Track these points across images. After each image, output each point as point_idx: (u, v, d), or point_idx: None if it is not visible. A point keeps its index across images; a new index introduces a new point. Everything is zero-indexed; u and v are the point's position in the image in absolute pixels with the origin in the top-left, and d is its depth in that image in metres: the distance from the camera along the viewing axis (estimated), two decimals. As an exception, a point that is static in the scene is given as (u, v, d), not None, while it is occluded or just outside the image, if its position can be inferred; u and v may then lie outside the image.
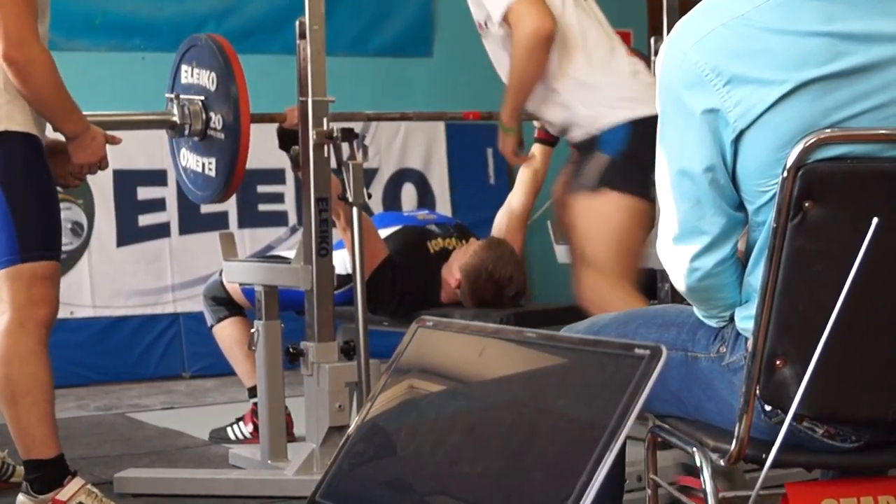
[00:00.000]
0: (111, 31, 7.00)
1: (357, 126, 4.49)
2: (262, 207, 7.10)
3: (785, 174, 2.04)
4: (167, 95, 4.52)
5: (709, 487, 2.21)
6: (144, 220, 6.90)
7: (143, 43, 7.11)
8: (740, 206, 2.23)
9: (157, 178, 6.89)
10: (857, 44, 2.13)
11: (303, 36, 4.13)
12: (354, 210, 4.10)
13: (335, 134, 4.09)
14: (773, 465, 2.00)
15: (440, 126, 7.75)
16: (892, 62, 2.14)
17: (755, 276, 2.21)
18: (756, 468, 2.18)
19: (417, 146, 7.70)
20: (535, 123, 5.04)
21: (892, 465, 2.30)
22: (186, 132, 4.37)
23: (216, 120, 4.29)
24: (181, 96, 4.40)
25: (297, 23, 4.14)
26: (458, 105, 7.90)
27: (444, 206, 7.62)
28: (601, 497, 1.76)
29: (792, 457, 2.22)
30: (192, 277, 6.85)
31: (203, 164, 4.39)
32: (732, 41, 2.15)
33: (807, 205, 2.05)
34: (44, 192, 3.64)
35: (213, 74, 4.31)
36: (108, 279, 6.77)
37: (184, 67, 4.49)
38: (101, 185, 6.55)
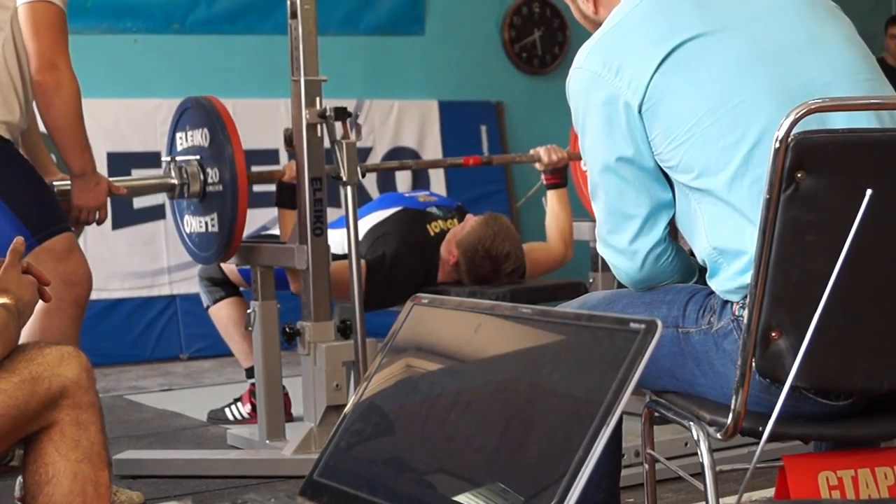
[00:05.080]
0: (103, 13, 7.00)
1: (350, 104, 4.49)
2: (256, 188, 7.10)
3: (777, 145, 2.04)
4: (164, 159, 4.55)
5: (706, 461, 2.22)
6: (139, 202, 6.90)
7: (134, 25, 7.11)
8: (665, 186, 2.39)
9: (151, 160, 6.88)
10: (723, 8, 2.35)
11: (294, 15, 4.13)
12: (349, 189, 4.10)
13: (328, 113, 4.09)
14: (770, 438, 2.00)
15: (433, 104, 7.75)
16: (754, 19, 2.35)
17: (703, 241, 2.32)
18: (753, 441, 2.18)
19: (411, 124, 7.70)
20: (537, 166, 5.02)
21: (887, 436, 2.31)
22: (186, 193, 4.39)
23: (213, 174, 4.30)
24: (177, 158, 4.42)
25: (288, 2, 4.13)
26: (450, 82, 7.92)
27: (438, 185, 7.63)
28: (598, 472, 1.77)
29: (788, 429, 2.22)
30: (188, 259, 6.80)
31: (206, 223, 4.41)
32: (613, 41, 2.37)
33: (799, 175, 2.06)
34: (27, 174, 3.66)
35: (206, 130, 4.32)
36: (104, 262, 6.77)
37: (178, 136, 4.51)
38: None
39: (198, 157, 4.37)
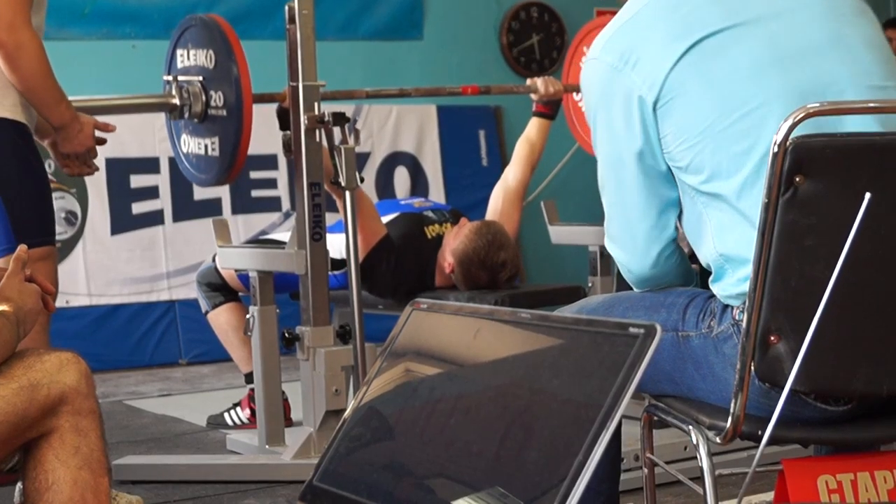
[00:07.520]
0: (101, 19, 6.99)
1: (349, 110, 4.49)
2: (255, 193, 7.10)
3: (775, 149, 2.04)
4: (165, 78, 4.50)
5: (705, 465, 2.22)
6: (138, 207, 6.89)
7: (133, 31, 7.10)
8: (673, 183, 2.36)
9: (150, 165, 6.89)
10: (744, 2, 2.33)
11: (292, 20, 4.12)
12: (348, 194, 4.10)
13: (327, 118, 4.09)
14: (770, 442, 2.00)
15: (432, 109, 7.75)
16: (775, 15, 2.32)
17: (710, 246, 2.31)
18: (752, 445, 2.18)
19: (409, 129, 7.69)
20: (533, 96, 5.04)
21: (886, 439, 2.31)
22: (187, 114, 4.35)
23: (216, 98, 4.26)
24: (179, 78, 4.38)
25: (287, 7, 4.13)
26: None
27: (437, 189, 7.62)
28: (598, 476, 1.77)
29: (788, 433, 2.22)
30: (187, 264, 6.85)
31: (206, 146, 4.37)
32: (631, 33, 2.34)
33: (798, 179, 2.05)
34: (34, 178, 3.65)
35: (211, 52, 4.28)
36: (102, 267, 6.77)
37: (179, 52, 4.46)
38: (94, 174, 6.55)
39: (200, 77, 4.34)
